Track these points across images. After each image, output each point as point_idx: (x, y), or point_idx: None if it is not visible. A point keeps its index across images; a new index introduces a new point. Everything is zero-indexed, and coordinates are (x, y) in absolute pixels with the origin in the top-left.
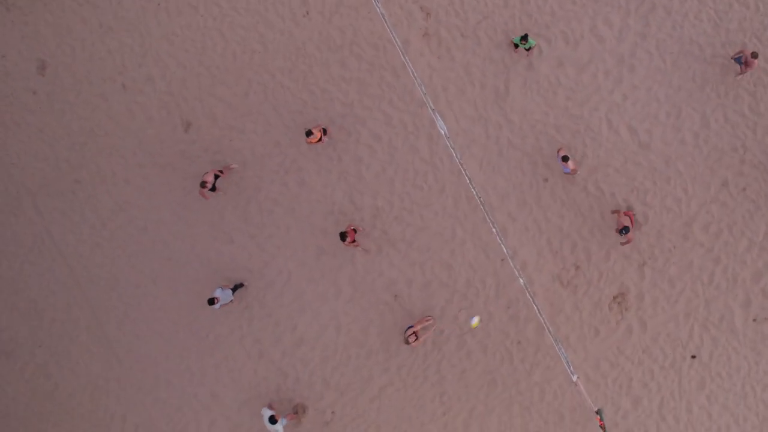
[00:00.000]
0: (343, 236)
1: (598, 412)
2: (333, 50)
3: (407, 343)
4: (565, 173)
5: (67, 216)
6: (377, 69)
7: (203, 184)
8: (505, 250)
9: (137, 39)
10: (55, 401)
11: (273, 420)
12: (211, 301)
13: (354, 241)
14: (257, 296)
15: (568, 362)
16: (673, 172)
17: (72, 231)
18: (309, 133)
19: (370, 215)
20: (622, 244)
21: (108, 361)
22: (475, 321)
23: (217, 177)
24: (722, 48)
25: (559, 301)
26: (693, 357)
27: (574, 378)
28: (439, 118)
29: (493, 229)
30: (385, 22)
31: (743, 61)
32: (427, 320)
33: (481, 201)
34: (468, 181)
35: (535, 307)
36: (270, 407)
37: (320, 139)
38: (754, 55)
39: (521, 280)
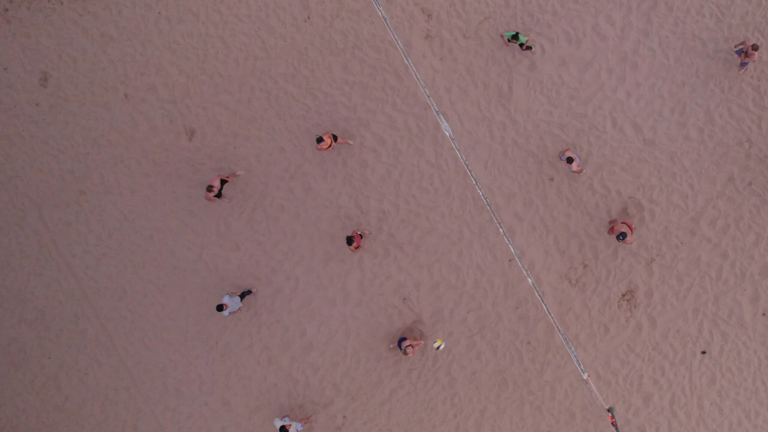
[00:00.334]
0: (349, 241)
1: (609, 410)
2: (335, 54)
3: (405, 354)
4: (570, 172)
5: (73, 227)
6: (380, 72)
7: (210, 188)
8: (512, 250)
9: (139, 48)
10: (66, 412)
11: (284, 431)
12: (220, 308)
13: (359, 246)
14: (265, 303)
15: (578, 361)
16: (678, 168)
17: (78, 242)
18: (320, 140)
19: (376, 219)
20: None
21: (117, 371)
22: (438, 343)
23: (223, 183)
24: (725, 43)
25: (568, 300)
26: (703, 353)
27: (585, 376)
28: (443, 119)
29: (500, 230)
30: (387, 24)
31: (744, 51)
32: (418, 342)
33: (487, 202)
34: (474, 182)
35: (544, 307)
36: (287, 417)
37: (330, 146)
38: (755, 47)
39: (530, 280)
